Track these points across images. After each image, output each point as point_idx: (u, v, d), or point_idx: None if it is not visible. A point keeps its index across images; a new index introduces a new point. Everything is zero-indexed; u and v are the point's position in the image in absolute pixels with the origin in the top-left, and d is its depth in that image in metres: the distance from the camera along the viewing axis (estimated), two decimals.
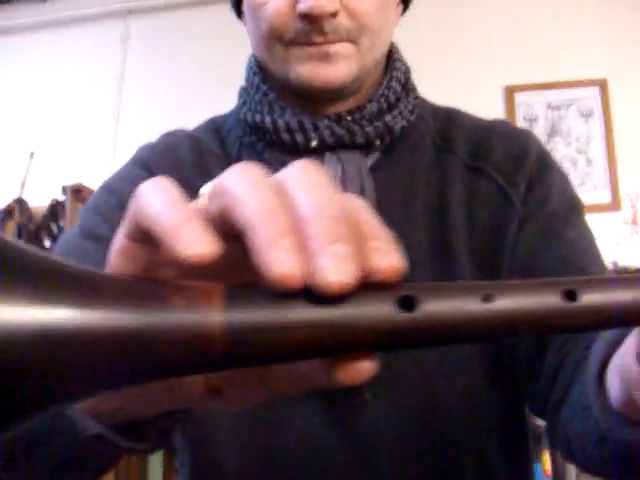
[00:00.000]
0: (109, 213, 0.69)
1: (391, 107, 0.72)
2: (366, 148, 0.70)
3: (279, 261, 0.24)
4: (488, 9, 3.35)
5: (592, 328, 0.28)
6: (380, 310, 0.26)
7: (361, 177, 0.68)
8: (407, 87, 0.75)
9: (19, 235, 3.32)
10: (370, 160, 0.71)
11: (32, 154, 3.57)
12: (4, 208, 3.43)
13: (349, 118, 0.69)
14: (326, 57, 0.65)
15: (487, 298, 0.27)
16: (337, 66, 0.66)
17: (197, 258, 0.25)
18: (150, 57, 3.71)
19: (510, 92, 3.24)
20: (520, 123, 3.19)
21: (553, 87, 3.19)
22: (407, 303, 0.26)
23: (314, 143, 0.68)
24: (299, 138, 0.68)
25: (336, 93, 0.68)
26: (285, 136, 0.69)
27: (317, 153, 0.68)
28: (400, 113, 0.72)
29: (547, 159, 0.74)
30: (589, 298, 0.27)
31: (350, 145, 0.69)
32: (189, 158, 0.75)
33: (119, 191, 0.72)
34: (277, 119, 0.69)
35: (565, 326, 0.28)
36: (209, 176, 0.73)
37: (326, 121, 0.69)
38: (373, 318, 0.25)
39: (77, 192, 3.13)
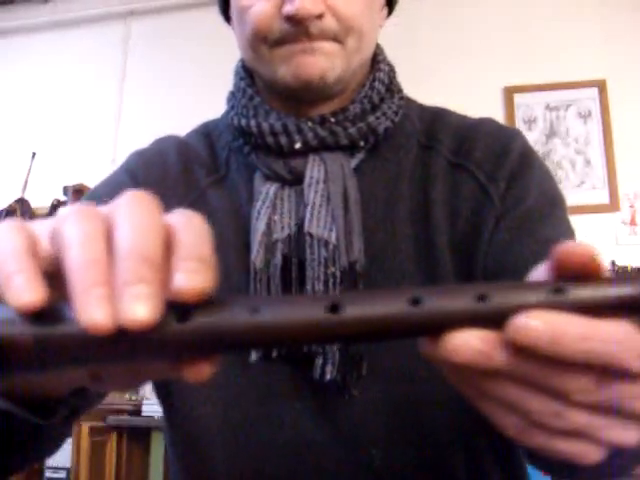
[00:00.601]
0: None
1: (375, 108, 0.72)
2: (350, 149, 0.71)
3: (89, 311, 0.28)
4: (488, 9, 3.36)
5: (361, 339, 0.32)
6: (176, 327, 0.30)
7: (344, 177, 0.69)
8: (391, 88, 0.76)
9: None
10: (355, 160, 0.71)
11: (34, 154, 3.58)
12: (6, 208, 3.44)
13: (332, 120, 0.70)
14: (309, 51, 0.66)
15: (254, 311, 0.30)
16: (320, 59, 0.67)
17: (25, 306, 0.29)
18: (151, 58, 3.73)
19: (509, 93, 3.25)
20: (519, 124, 3.20)
21: (552, 88, 3.20)
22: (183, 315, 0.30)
23: (297, 145, 0.69)
24: (283, 140, 0.69)
25: (320, 90, 0.69)
26: (270, 139, 0.70)
27: (301, 155, 0.69)
28: (384, 114, 0.72)
29: (529, 157, 0.73)
30: (352, 310, 0.30)
31: (334, 146, 0.69)
32: (175, 165, 0.76)
33: (100, 197, 0.73)
34: (261, 122, 0.71)
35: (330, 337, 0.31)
36: (194, 183, 0.75)
37: (310, 123, 0.69)
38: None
39: (78, 192, 3.14)
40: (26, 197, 3.48)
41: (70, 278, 0.29)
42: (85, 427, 2.69)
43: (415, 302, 0.30)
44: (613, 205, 3.03)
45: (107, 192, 0.74)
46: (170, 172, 0.76)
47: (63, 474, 2.75)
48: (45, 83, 3.81)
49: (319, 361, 0.65)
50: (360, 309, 0.30)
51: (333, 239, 0.65)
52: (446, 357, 0.30)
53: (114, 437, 2.82)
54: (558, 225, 0.69)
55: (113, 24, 3.82)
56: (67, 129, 3.68)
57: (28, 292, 0.29)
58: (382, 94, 0.74)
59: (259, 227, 0.67)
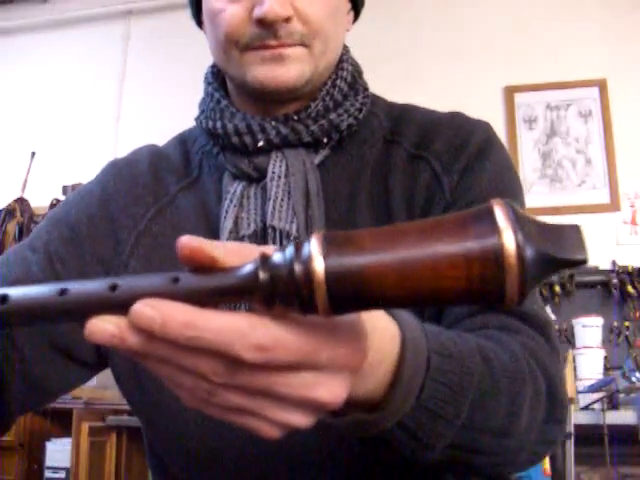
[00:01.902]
0: (57, 227, 0.76)
1: (337, 106, 0.75)
2: (314, 146, 0.74)
3: None
4: (488, 9, 3.36)
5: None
6: None
7: (305, 172, 0.72)
8: (355, 86, 0.78)
9: (20, 234, 3.33)
10: (320, 157, 0.74)
11: (33, 154, 3.58)
12: (5, 207, 3.44)
13: (295, 118, 0.73)
14: (280, 59, 0.70)
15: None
16: (290, 67, 0.70)
17: None
18: (151, 57, 3.72)
19: (509, 93, 3.24)
20: (520, 123, 3.20)
21: (552, 87, 3.19)
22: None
23: (261, 143, 0.72)
24: (247, 140, 0.72)
25: (289, 93, 0.72)
26: (235, 139, 0.73)
27: (265, 152, 0.73)
28: (346, 111, 0.75)
29: (487, 150, 0.74)
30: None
31: (297, 143, 0.73)
32: (145, 175, 0.80)
33: (70, 204, 0.79)
34: (227, 124, 0.74)
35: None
36: (164, 190, 0.78)
37: (273, 122, 0.73)
38: None
39: None
40: (25, 196, 3.48)
41: None
42: (85, 427, 2.68)
43: (62, 292, 0.35)
44: (614, 205, 3.03)
45: (77, 200, 0.79)
46: (139, 181, 0.79)
47: (63, 474, 2.75)
48: (44, 83, 3.80)
49: None
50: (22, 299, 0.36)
51: (294, 231, 0.69)
52: (90, 339, 0.34)
53: (114, 437, 2.82)
54: None
55: (112, 23, 3.82)
56: (66, 129, 3.68)
57: None
58: (345, 92, 0.76)
59: (227, 225, 0.71)
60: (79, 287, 0.35)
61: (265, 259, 0.33)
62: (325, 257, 0.32)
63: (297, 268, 0.32)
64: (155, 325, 0.33)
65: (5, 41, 3.94)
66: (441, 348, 0.49)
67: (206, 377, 0.34)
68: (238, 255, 0.35)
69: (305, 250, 0.32)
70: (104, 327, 0.34)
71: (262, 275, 0.33)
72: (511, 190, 0.74)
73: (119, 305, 0.34)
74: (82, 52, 3.81)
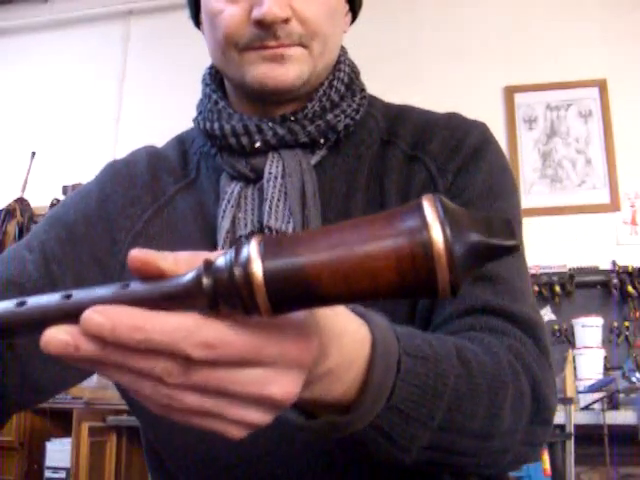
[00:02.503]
0: (54, 227, 0.76)
1: (334, 106, 0.75)
2: (311, 146, 0.74)
3: None
4: (488, 9, 3.36)
5: None
6: None
7: (302, 172, 0.72)
8: (352, 87, 0.78)
9: (20, 234, 3.33)
10: (316, 157, 0.74)
11: (33, 154, 3.58)
12: (5, 207, 3.44)
13: (292, 118, 0.73)
14: (279, 59, 0.70)
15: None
16: (289, 67, 0.70)
17: None
18: (151, 58, 3.72)
19: (509, 93, 3.25)
20: (520, 124, 3.20)
21: (552, 88, 3.19)
22: None
23: (258, 144, 0.72)
24: (244, 141, 0.73)
25: (288, 94, 0.72)
26: (232, 140, 0.73)
27: (262, 153, 0.73)
28: (343, 112, 0.75)
29: (483, 151, 0.75)
30: None
31: (294, 144, 0.73)
32: (143, 176, 0.80)
33: (69, 204, 0.79)
34: (224, 125, 0.74)
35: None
36: (162, 190, 0.78)
37: (270, 123, 0.73)
38: None
39: None
40: (25, 197, 3.49)
41: None
42: (85, 427, 2.69)
43: (20, 304, 0.36)
44: (614, 205, 3.03)
45: (75, 201, 0.79)
46: (137, 182, 0.79)
47: (63, 474, 2.75)
48: (44, 83, 3.81)
49: None
50: None
51: (290, 231, 0.69)
52: (46, 350, 0.34)
53: (114, 437, 2.82)
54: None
55: (112, 23, 3.82)
56: (67, 129, 3.68)
57: None
58: (342, 93, 0.76)
59: (224, 225, 0.71)
60: (36, 298, 0.36)
61: (208, 265, 0.34)
62: (263, 259, 0.33)
63: (237, 272, 0.33)
64: (105, 331, 0.33)
65: (5, 41, 3.94)
66: (414, 350, 0.50)
67: (162, 380, 0.35)
68: (189, 264, 0.36)
69: (244, 253, 0.33)
70: (58, 337, 0.34)
71: (205, 281, 0.34)
72: (505, 191, 0.74)
73: (73, 314, 0.34)
74: (82, 52, 3.81)
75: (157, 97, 3.61)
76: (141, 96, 3.67)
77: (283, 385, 0.37)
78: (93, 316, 0.34)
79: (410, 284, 0.32)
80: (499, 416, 0.55)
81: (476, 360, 0.55)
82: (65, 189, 3.35)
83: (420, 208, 0.33)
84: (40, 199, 3.40)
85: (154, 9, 3.77)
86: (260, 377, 0.36)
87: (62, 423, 2.85)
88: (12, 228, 3.40)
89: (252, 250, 0.33)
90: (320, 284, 0.33)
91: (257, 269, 0.33)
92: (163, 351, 0.34)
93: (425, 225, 0.32)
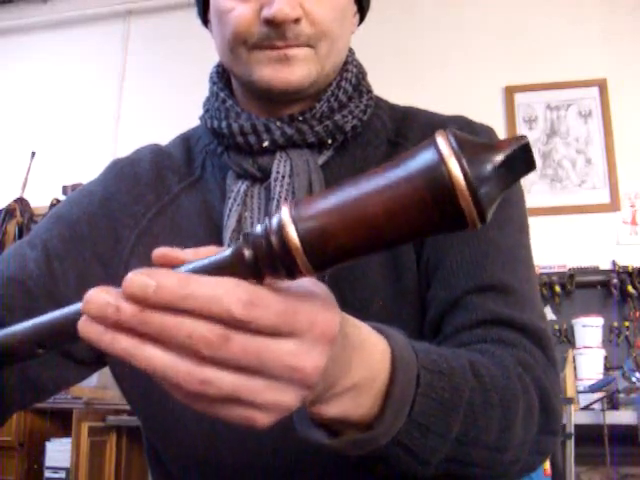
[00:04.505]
0: (57, 225, 0.76)
1: (342, 107, 0.75)
2: (319, 146, 0.74)
3: None
4: (488, 9, 3.36)
5: None
6: None
7: (309, 172, 0.72)
8: (359, 88, 0.78)
9: (20, 234, 3.33)
10: (324, 157, 0.75)
11: (33, 154, 3.58)
12: (5, 207, 3.44)
13: (300, 118, 0.73)
14: (286, 60, 0.70)
15: None
16: (295, 68, 0.70)
17: None
18: (150, 57, 3.72)
19: (509, 93, 3.24)
20: (520, 123, 3.20)
21: (552, 87, 3.19)
22: None
23: (266, 144, 0.72)
24: (252, 140, 0.72)
25: (295, 94, 0.72)
26: (239, 139, 0.73)
27: (270, 153, 0.73)
28: (350, 112, 0.75)
29: None
30: None
31: (301, 144, 0.73)
32: (148, 174, 0.80)
33: (73, 203, 0.79)
34: (232, 123, 0.74)
35: None
36: (166, 189, 0.78)
37: (278, 123, 0.73)
38: None
39: None
40: (25, 196, 3.48)
41: None
42: (85, 427, 2.68)
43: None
44: (614, 205, 3.03)
45: (79, 199, 0.79)
46: (141, 180, 0.79)
47: (63, 474, 2.75)
48: (44, 82, 3.80)
49: None
50: None
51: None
52: (85, 309, 0.35)
53: (114, 437, 2.82)
54: (505, 226, 0.71)
55: (112, 23, 3.82)
56: (66, 128, 3.68)
57: None
58: (349, 93, 0.76)
59: (230, 224, 0.71)
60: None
61: (246, 237, 0.36)
62: (295, 223, 0.35)
63: (274, 239, 0.35)
64: (149, 288, 0.34)
65: (5, 41, 3.94)
66: (431, 365, 0.50)
67: (200, 354, 0.35)
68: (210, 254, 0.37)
69: (278, 220, 0.35)
70: (99, 295, 0.35)
71: (246, 252, 0.36)
72: (515, 198, 0.75)
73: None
74: (82, 52, 3.81)
75: (157, 97, 3.61)
76: (141, 95, 3.67)
77: (313, 358, 0.37)
78: (137, 276, 0.34)
79: (438, 221, 0.33)
80: (511, 428, 0.56)
81: (489, 374, 0.56)
82: (65, 189, 3.35)
83: (435, 143, 0.33)
84: (40, 199, 3.40)
85: (154, 9, 3.77)
86: (293, 348, 0.37)
87: (62, 423, 2.85)
88: (12, 228, 3.40)
89: (284, 216, 0.35)
90: (352, 236, 0.34)
91: (292, 233, 0.35)
92: (205, 311, 0.34)
93: (442, 159, 0.33)
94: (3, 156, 3.71)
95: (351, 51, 0.80)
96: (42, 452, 2.86)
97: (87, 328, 0.35)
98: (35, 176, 3.53)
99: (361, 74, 0.80)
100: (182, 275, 0.35)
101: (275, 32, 0.68)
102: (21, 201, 3.45)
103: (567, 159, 3.13)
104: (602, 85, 3.15)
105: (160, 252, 0.38)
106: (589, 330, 2.69)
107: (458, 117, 0.80)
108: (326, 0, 0.71)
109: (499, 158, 0.33)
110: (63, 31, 3.88)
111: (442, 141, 0.33)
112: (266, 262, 0.35)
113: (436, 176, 0.32)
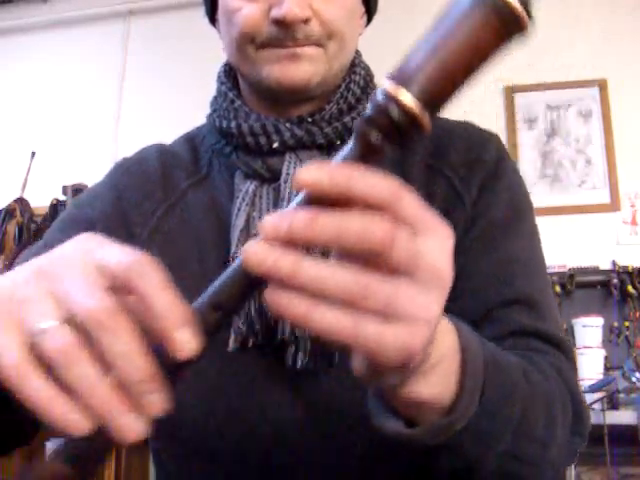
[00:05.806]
0: (71, 227, 0.76)
1: (351, 109, 0.76)
2: (328, 148, 0.74)
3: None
4: None
5: None
6: None
7: None
8: (367, 90, 0.79)
9: (20, 234, 3.33)
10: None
11: (33, 154, 3.58)
12: (5, 208, 3.44)
13: (309, 120, 0.73)
14: (294, 57, 0.70)
15: None
16: (304, 66, 0.70)
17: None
18: (151, 57, 3.72)
19: (510, 93, 3.24)
20: (520, 124, 3.20)
21: (553, 87, 3.19)
22: None
23: (275, 145, 0.72)
24: (262, 140, 0.72)
25: (303, 94, 0.73)
26: (249, 139, 0.73)
27: (279, 154, 0.73)
28: (359, 114, 0.75)
29: (502, 165, 0.77)
30: None
31: (311, 145, 0.73)
32: (155, 172, 0.80)
33: (83, 205, 0.79)
34: (242, 124, 0.74)
35: None
36: (174, 186, 0.79)
37: (287, 124, 0.73)
38: None
39: (78, 192, 3.14)
40: (25, 197, 3.48)
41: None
42: None
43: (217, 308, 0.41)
44: (614, 205, 3.03)
45: (90, 200, 0.79)
46: (149, 178, 0.79)
47: None
48: (44, 82, 3.80)
49: (291, 349, 0.67)
50: None
51: None
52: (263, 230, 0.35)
53: None
54: (522, 238, 0.73)
55: (112, 23, 3.82)
56: (67, 128, 3.68)
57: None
58: (358, 95, 0.77)
59: (238, 223, 0.71)
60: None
61: (362, 121, 0.39)
62: (406, 87, 0.38)
63: (392, 111, 0.37)
64: (324, 179, 0.36)
65: (5, 41, 3.93)
66: (493, 355, 0.52)
67: (385, 253, 0.35)
68: None
69: (386, 94, 0.38)
70: (269, 219, 0.36)
71: (373, 134, 0.39)
72: (527, 206, 0.77)
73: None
74: (82, 52, 3.81)
75: (157, 97, 3.61)
76: (141, 96, 3.67)
77: (447, 261, 0.38)
78: (306, 171, 0.36)
79: (504, 33, 0.42)
80: (554, 425, 0.58)
81: (533, 374, 0.58)
82: (65, 189, 3.34)
83: None
84: (40, 199, 3.40)
85: (154, 9, 3.77)
86: (434, 247, 0.38)
87: None
88: (12, 228, 3.40)
89: (390, 88, 0.38)
90: (454, 75, 0.39)
91: (407, 98, 0.37)
92: (378, 203, 0.36)
93: None
94: (3, 156, 3.71)
95: (358, 53, 0.81)
96: (42, 452, 2.86)
97: (261, 255, 0.35)
98: (35, 176, 3.53)
99: (369, 76, 0.80)
100: (353, 167, 0.37)
101: (285, 32, 0.69)
102: (21, 201, 3.45)
103: (567, 159, 3.13)
104: (602, 85, 3.15)
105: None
106: (589, 330, 2.69)
107: (466, 124, 0.81)
108: (335, 0, 0.71)
109: None
110: (63, 31, 3.88)
111: None
112: (392, 137, 0.38)
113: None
